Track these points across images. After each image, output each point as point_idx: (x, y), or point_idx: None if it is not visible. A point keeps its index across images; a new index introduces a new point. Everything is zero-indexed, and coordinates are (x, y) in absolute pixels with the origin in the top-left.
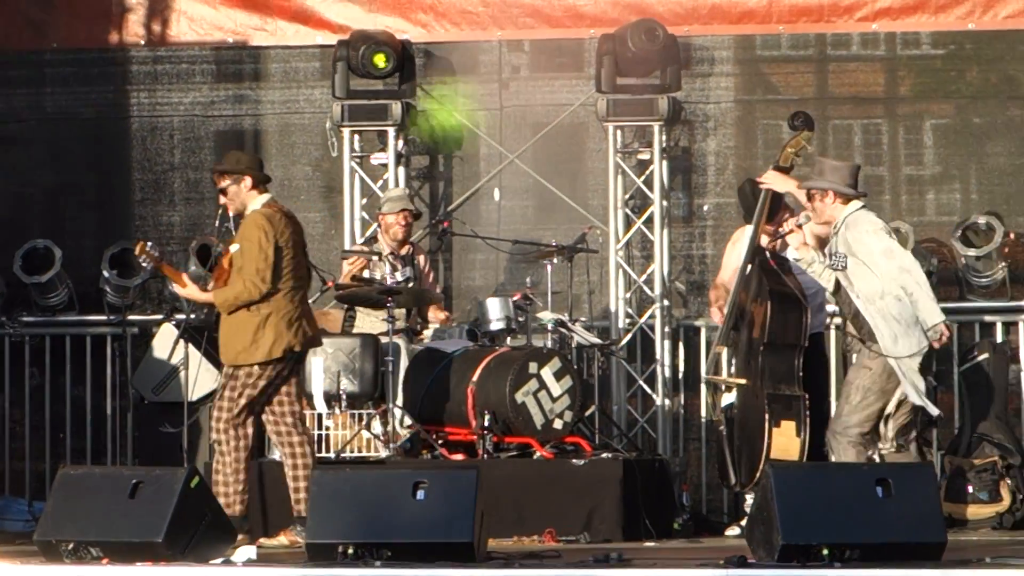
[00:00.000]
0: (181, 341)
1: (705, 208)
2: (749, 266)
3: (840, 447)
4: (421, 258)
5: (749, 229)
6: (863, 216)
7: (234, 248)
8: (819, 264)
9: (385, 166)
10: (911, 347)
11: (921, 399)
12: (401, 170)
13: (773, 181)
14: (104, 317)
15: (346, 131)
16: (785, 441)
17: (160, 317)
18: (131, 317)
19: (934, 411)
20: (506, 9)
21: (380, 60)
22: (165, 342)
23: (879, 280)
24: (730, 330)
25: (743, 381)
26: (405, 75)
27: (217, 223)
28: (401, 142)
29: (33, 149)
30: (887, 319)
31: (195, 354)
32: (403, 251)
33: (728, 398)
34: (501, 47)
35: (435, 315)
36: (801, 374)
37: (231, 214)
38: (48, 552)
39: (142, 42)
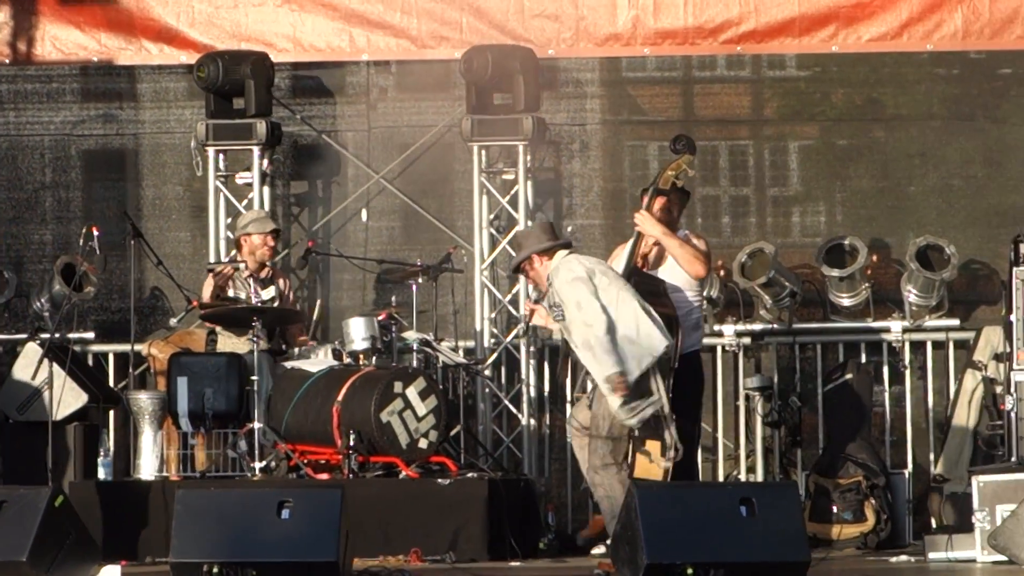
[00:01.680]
0: (46, 360)
1: (569, 229)
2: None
3: (602, 479)
4: (282, 280)
5: (627, 249)
6: (563, 265)
7: None
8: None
9: (250, 185)
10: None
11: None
12: (266, 190)
13: (643, 224)
14: None
15: (211, 150)
16: (648, 462)
17: (24, 336)
18: None
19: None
20: (371, 29)
21: (200, 73)
22: (29, 361)
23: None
24: None
25: None
26: (266, 95)
27: (82, 242)
28: (266, 162)
29: None
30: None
31: (60, 373)
32: (263, 273)
33: None
34: (368, 68)
35: (299, 338)
36: (670, 394)
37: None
38: None
39: (7, 60)
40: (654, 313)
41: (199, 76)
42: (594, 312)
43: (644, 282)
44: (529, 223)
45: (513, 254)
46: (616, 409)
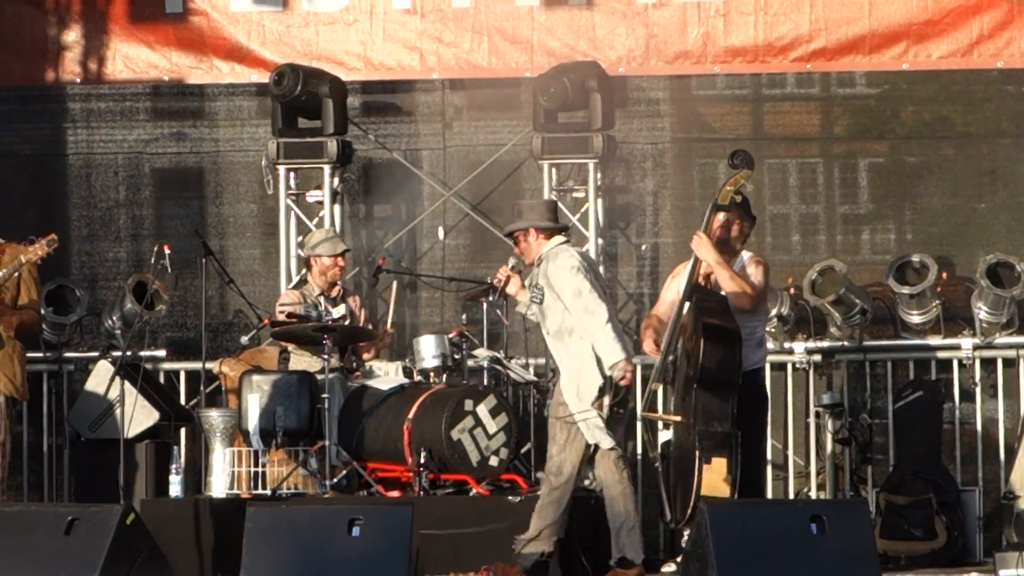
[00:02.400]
0: (117, 378)
1: (643, 248)
2: (687, 303)
3: (552, 483)
4: (352, 300)
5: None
6: (563, 251)
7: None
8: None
9: (321, 203)
10: (585, 386)
11: (593, 435)
12: (337, 208)
13: (698, 248)
14: (40, 354)
15: (282, 168)
16: (715, 478)
17: (96, 354)
18: (67, 354)
19: (607, 443)
20: (442, 49)
21: (284, 85)
22: (101, 379)
23: (569, 317)
24: (666, 366)
25: (678, 418)
26: (340, 112)
27: (153, 260)
28: (337, 179)
29: None
30: (571, 356)
31: (131, 391)
32: (333, 292)
33: (665, 435)
34: (444, 87)
35: (369, 355)
36: (735, 411)
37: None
38: None
39: (78, 80)
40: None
41: (276, 84)
42: (595, 300)
43: (706, 299)
44: (600, 241)
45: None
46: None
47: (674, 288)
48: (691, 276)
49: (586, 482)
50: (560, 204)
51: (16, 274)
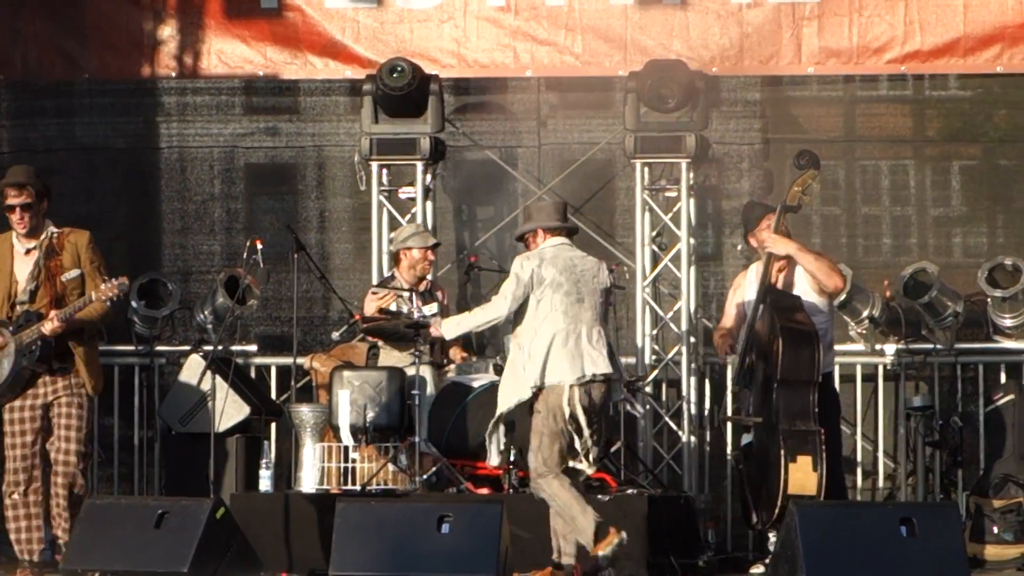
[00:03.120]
0: (208, 372)
1: (739, 248)
2: (761, 305)
3: (540, 486)
4: (440, 294)
5: (749, 274)
6: (525, 257)
7: (74, 273)
8: None
9: (413, 200)
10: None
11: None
12: (429, 204)
13: (774, 245)
14: (132, 347)
15: (374, 165)
16: (802, 476)
17: (188, 348)
18: (159, 348)
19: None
20: (535, 47)
21: (397, 73)
22: (193, 373)
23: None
24: (746, 370)
25: (759, 420)
26: (434, 109)
27: (245, 255)
28: (429, 176)
29: (65, 179)
30: (511, 359)
31: (222, 385)
32: (422, 287)
33: (747, 437)
34: (540, 85)
35: (456, 354)
36: (816, 409)
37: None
38: None
39: (173, 74)
40: (580, 352)
41: (390, 74)
42: (496, 304)
43: (780, 299)
44: (691, 241)
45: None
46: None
47: (737, 300)
48: (764, 278)
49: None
50: (652, 203)
51: (80, 273)
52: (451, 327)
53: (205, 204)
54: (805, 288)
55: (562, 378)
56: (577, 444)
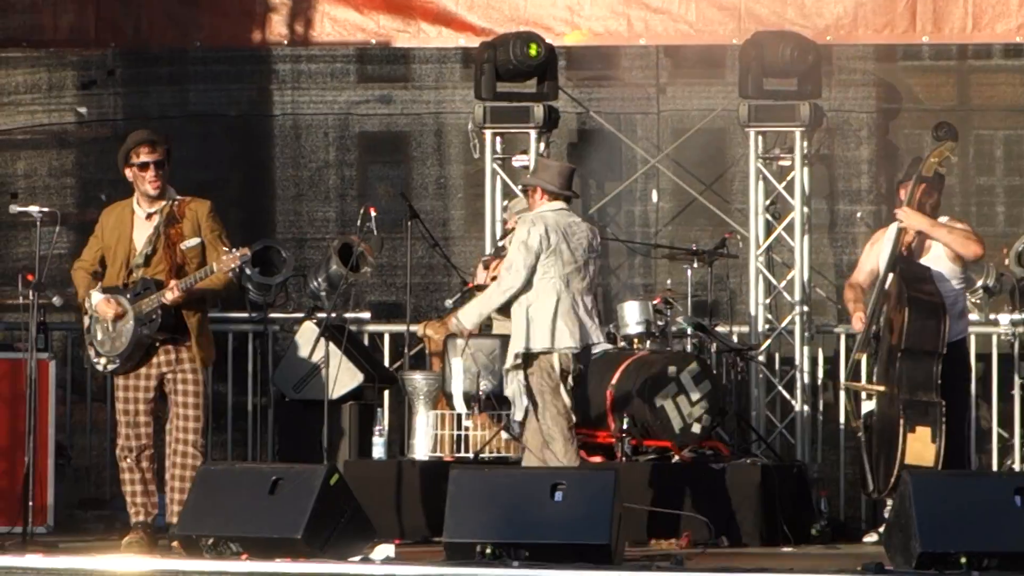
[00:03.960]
0: (322, 339)
1: (859, 215)
2: (890, 274)
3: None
4: None
5: (889, 231)
6: (529, 222)
7: (194, 242)
8: None
9: (526, 168)
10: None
11: (514, 400)
12: None
13: (908, 218)
14: (246, 315)
15: (488, 133)
16: (920, 447)
17: (301, 315)
18: (273, 315)
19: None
20: (650, 15)
21: (533, 49)
22: (306, 340)
23: None
24: (870, 337)
25: (881, 388)
26: (548, 77)
27: (359, 223)
28: (543, 144)
29: (178, 146)
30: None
31: (336, 352)
32: None
33: (868, 405)
34: (658, 52)
35: None
36: (939, 381)
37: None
38: (188, 547)
39: (285, 42)
40: (578, 319)
41: (482, 65)
42: (510, 278)
43: (910, 269)
44: (805, 210)
45: None
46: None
47: (873, 255)
48: (895, 247)
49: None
50: (765, 172)
51: (200, 242)
52: (473, 316)
53: (319, 171)
54: (939, 254)
55: (563, 344)
56: (520, 414)
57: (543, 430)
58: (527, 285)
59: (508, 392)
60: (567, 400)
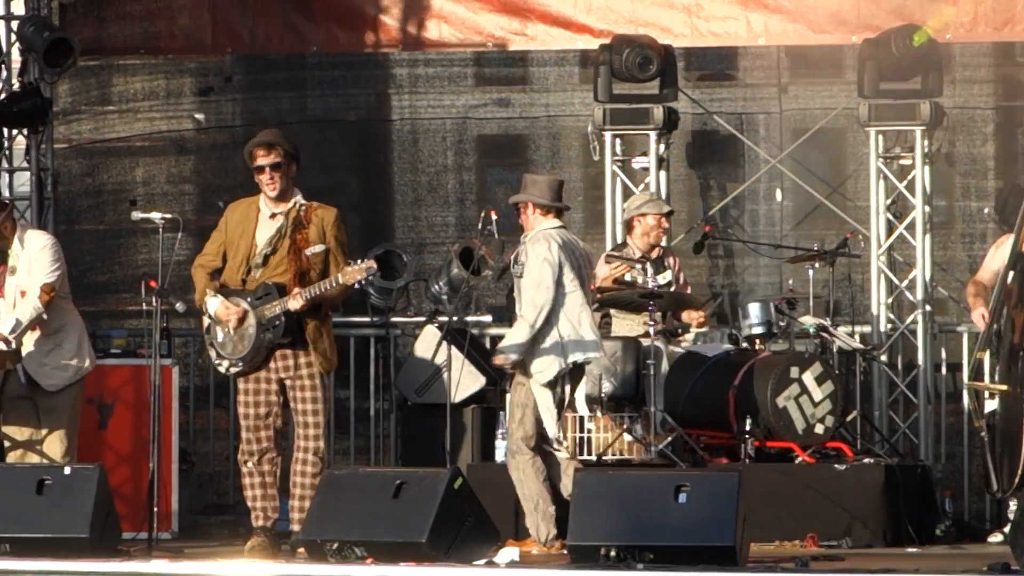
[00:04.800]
0: (444, 343)
1: (986, 211)
2: (1011, 272)
3: (516, 464)
4: (672, 261)
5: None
6: (544, 238)
7: (319, 248)
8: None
9: (646, 170)
10: (540, 368)
11: (545, 416)
12: (662, 174)
13: None
14: (368, 319)
15: (608, 135)
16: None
17: (423, 319)
18: (394, 319)
19: (552, 431)
20: (768, 15)
21: (646, 63)
22: (428, 344)
23: None
24: (992, 335)
25: (1004, 387)
26: (667, 79)
27: (480, 226)
28: (662, 146)
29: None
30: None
31: (458, 356)
32: (654, 254)
33: (991, 404)
34: (779, 52)
35: (690, 316)
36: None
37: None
38: (313, 551)
39: (400, 46)
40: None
41: (601, 67)
42: (541, 297)
43: None
44: (926, 209)
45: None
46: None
47: (999, 257)
48: (1016, 245)
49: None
50: (886, 171)
51: (324, 249)
52: (516, 346)
53: (437, 176)
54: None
55: (571, 359)
56: (554, 428)
57: (508, 443)
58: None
59: (541, 408)
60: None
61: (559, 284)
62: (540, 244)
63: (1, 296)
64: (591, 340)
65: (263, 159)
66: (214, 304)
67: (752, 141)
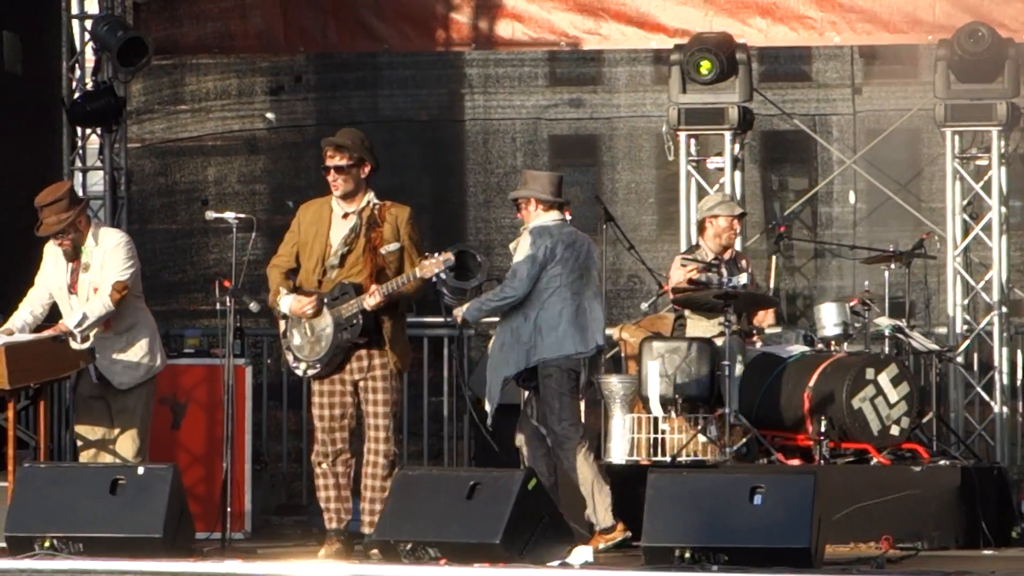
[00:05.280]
0: None
1: None
2: None
3: (569, 456)
4: (745, 263)
5: None
6: (535, 232)
7: (394, 247)
8: None
9: (721, 170)
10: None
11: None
12: (737, 174)
13: None
14: (441, 319)
15: (682, 135)
16: None
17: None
18: None
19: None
20: (843, 14)
21: (705, 68)
22: None
23: None
24: None
25: None
26: (741, 79)
27: None
28: (737, 146)
29: None
30: (513, 327)
31: None
32: (726, 256)
33: None
34: (845, 52)
35: (763, 317)
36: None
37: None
38: (387, 552)
39: (471, 44)
40: (586, 325)
41: (675, 67)
42: (514, 285)
43: None
44: (1003, 209)
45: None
46: None
47: None
48: None
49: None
50: (962, 172)
51: (399, 247)
52: (474, 311)
53: (508, 176)
54: None
55: (575, 349)
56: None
57: (558, 432)
58: (526, 296)
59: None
60: (581, 404)
61: (542, 278)
62: (528, 239)
63: (74, 292)
64: (593, 330)
65: (330, 160)
66: (286, 301)
67: (826, 141)
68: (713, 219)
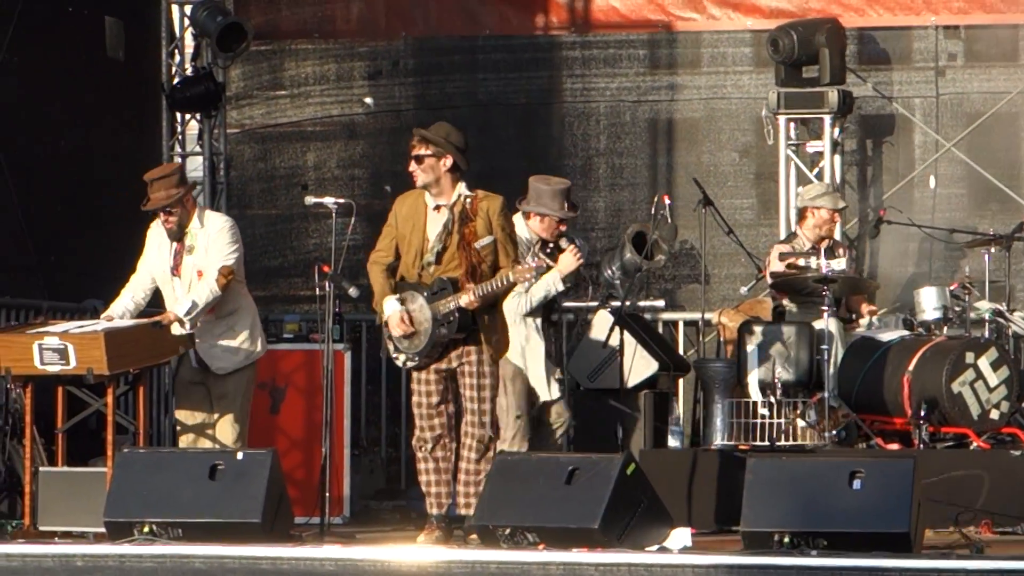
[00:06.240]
0: (616, 328)
1: None
2: None
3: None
4: (841, 251)
5: None
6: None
7: (488, 240)
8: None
9: (820, 154)
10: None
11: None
12: (836, 158)
13: None
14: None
15: (782, 119)
16: None
17: (595, 304)
18: (565, 304)
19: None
20: None
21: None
22: (601, 329)
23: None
24: None
25: None
26: (840, 62)
27: (653, 211)
28: (837, 130)
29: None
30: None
31: (630, 341)
32: (823, 245)
33: None
34: (937, 33)
35: (864, 308)
36: None
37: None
38: (485, 537)
39: (570, 27)
40: None
41: (774, 50)
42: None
43: None
44: None
45: None
46: None
47: None
48: None
49: None
50: None
51: (492, 240)
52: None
53: (592, 159)
54: None
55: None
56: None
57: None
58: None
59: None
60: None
61: None
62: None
63: (177, 275)
64: None
65: (413, 150)
66: (389, 310)
67: (923, 123)
68: (816, 209)
